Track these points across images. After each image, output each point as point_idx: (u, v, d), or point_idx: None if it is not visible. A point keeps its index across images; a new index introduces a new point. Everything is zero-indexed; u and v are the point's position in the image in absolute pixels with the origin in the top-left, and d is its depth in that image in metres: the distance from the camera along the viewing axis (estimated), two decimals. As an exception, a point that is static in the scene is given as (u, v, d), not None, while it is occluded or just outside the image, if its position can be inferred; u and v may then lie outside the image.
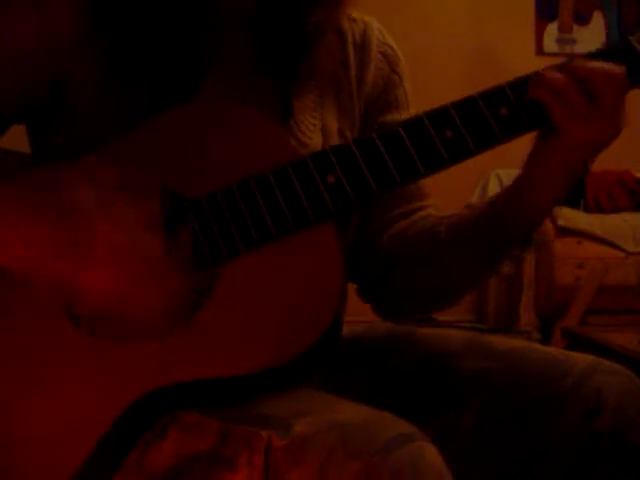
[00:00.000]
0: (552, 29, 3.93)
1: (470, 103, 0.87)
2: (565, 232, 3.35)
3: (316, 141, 0.96)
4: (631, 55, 0.88)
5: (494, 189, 3.49)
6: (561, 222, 3.36)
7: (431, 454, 0.73)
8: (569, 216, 3.40)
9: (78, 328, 0.82)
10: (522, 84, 0.88)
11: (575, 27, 3.94)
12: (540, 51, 3.93)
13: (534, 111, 0.87)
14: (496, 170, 3.53)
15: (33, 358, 0.83)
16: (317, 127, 0.98)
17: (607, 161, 3.84)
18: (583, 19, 3.95)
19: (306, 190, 0.84)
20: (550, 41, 3.92)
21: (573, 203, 3.53)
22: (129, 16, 0.91)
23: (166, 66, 0.90)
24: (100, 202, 0.76)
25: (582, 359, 0.94)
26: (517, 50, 3.75)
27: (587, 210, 3.53)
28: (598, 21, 3.95)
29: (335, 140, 0.98)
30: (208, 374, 0.80)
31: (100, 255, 0.75)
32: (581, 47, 3.89)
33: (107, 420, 0.79)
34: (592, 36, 3.93)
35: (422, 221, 1.03)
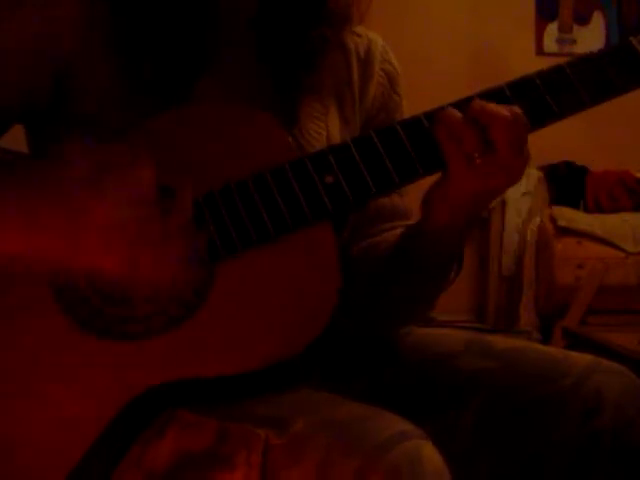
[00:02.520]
0: (552, 29, 3.92)
1: (466, 100, 0.87)
2: (565, 232, 3.34)
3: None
4: (632, 57, 0.88)
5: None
6: (561, 222, 3.36)
7: (429, 452, 0.73)
8: (569, 216, 3.39)
9: (79, 326, 0.82)
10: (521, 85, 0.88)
11: (575, 27, 3.94)
12: (540, 51, 3.93)
13: None
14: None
15: (31, 357, 0.83)
16: (322, 135, 0.98)
17: (607, 161, 3.82)
18: (583, 19, 3.95)
19: (304, 190, 0.84)
20: (550, 41, 3.92)
21: (573, 203, 3.53)
22: (133, 13, 0.91)
23: (167, 63, 0.90)
24: (89, 185, 0.74)
25: (581, 359, 0.94)
26: (517, 50, 3.75)
27: (587, 210, 3.52)
28: (598, 21, 3.94)
29: None
30: (207, 372, 0.80)
31: (95, 237, 0.74)
32: (581, 47, 3.88)
33: (106, 417, 0.80)
34: (592, 36, 3.92)
35: (391, 238, 1.02)
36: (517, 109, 0.83)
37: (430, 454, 0.73)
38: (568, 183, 3.57)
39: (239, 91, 0.95)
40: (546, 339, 3.26)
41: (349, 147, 0.86)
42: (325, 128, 0.99)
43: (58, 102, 0.92)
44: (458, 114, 0.83)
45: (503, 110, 0.82)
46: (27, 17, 0.89)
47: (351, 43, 1.04)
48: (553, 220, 3.38)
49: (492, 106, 0.82)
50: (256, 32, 0.97)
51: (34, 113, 0.93)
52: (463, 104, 0.85)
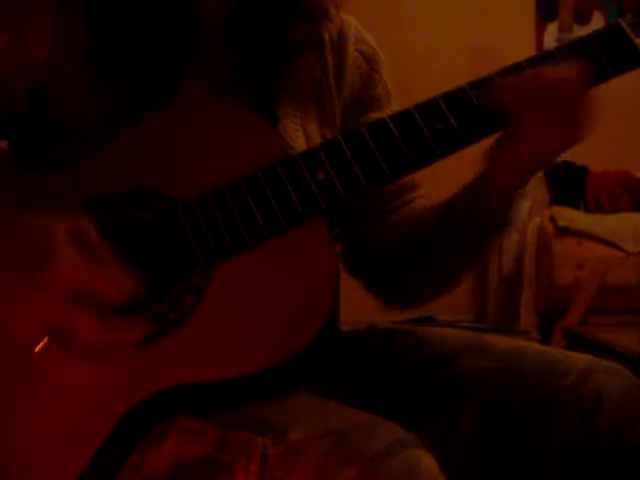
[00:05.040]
0: (552, 29, 3.92)
1: (458, 93, 0.87)
2: (565, 232, 3.34)
3: (300, 146, 0.96)
4: (622, 39, 0.88)
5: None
6: (561, 222, 3.36)
7: (426, 461, 0.73)
8: (569, 216, 3.40)
9: None
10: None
11: (575, 27, 3.94)
12: (540, 51, 3.93)
13: None
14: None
15: (33, 362, 0.83)
16: (299, 132, 0.98)
17: (607, 161, 3.81)
18: (583, 19, 3.95)
19: (296, 188, 0.84)
20: (550, 41, 3.92)
21: (573, 203, 3.53)
22: (108, 20, 0.90)
23: (145, 67, 0.90)
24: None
25: (581, 359, 0.94)
26: (517, 50, 3.75)
27: (587, 210, 3.53)
28: (598, 21, 3.94)
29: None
30: (204, 377, 0.80)
31: None
32: (581, 47, 3.89)
33: (108, 423, 0.79)
34: (592, 36, 3.92)
35: (414, 211, 1.03)
36: (570, 67, 0.85)
37: (427, 464, 0.73)
38: (568, 183, 3.57)
39: (220, 92, 0.95)
40: (546, 339, 3.26)
41: (340, 143, 0.85)
42: (300, 124, 0.98)
43: (37, 113, 0.91)
44: (520, 77, 0.86)
45: (560, 68, 0.85)
46: None
47: (323, 29, 1.03)
48: (553, 220, 3.38)
49: (549, 67, 0.85)
50: (233, 32, 0.97)
51: (13, 126, 0.93)
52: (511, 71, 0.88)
